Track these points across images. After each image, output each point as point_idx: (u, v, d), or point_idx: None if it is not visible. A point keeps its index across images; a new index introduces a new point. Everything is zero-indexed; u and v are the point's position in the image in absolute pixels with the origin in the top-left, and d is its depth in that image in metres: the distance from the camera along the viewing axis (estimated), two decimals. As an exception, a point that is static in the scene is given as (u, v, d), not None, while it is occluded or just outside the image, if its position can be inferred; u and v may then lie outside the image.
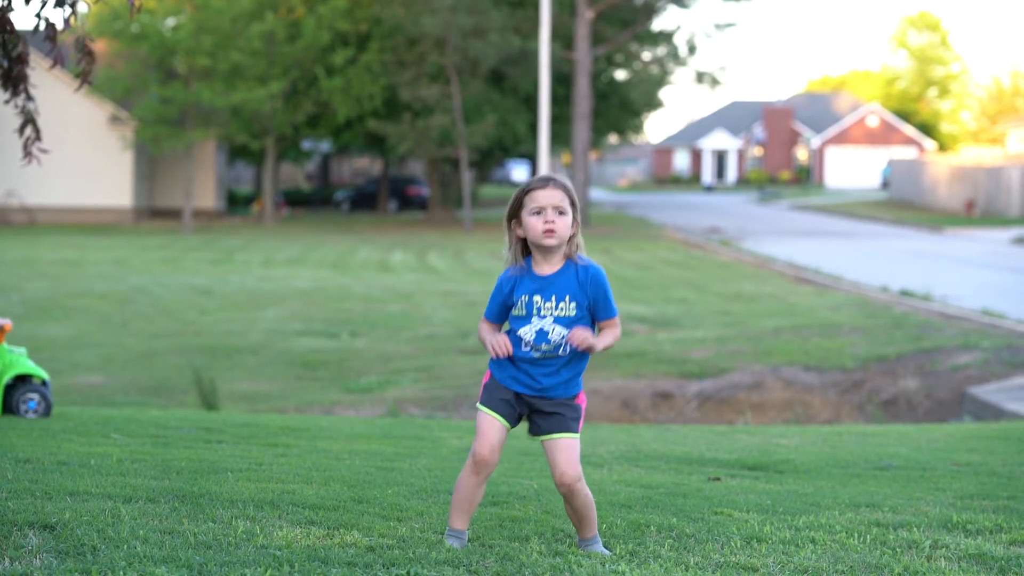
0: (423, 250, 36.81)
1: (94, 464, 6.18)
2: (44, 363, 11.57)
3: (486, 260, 32.92)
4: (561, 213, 4.50)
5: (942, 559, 4.74)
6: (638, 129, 62.73)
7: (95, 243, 37.48)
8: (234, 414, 12.02)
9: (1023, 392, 15.07)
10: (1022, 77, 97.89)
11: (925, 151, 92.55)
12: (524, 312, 4.56)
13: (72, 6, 6.66)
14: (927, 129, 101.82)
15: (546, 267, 4.57)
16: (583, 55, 44.24)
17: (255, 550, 4.32)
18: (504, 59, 45.79)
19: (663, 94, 77.86)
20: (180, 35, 44.73)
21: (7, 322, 8.78)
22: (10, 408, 8.83)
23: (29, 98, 7.08)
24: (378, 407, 15.16)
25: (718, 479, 7.09)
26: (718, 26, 49.45)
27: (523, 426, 4.78)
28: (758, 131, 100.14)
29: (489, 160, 60.19)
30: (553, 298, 4.52)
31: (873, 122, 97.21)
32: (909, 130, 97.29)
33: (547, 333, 4.53)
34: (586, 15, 44.15)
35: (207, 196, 51.95)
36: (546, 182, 4.53)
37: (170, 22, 46.28)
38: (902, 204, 62.26)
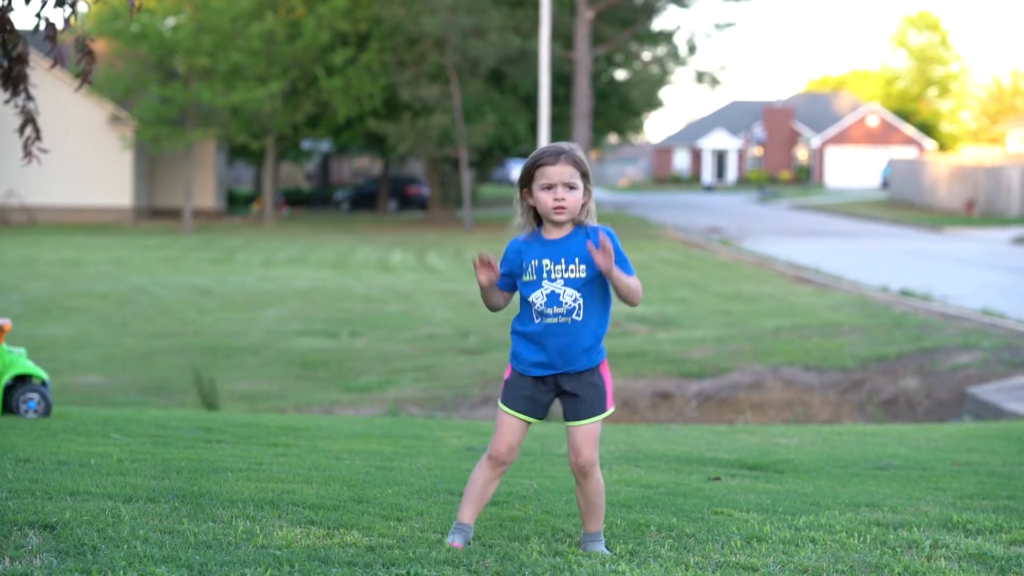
0: (423, 250, 36.82)
1: (94, 464, 6.18)
2: (44, 363, 11.57)
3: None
4: (571, 188, 4.49)
5: (942, 559, 4.74)
6: (638, 129, 62.73)
7: (95, 243, 37.49)
8: (234, 414, 12.02)
9: (1023, 392, 15.08)
10: (1022, 77, 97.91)
11: (925, 151, 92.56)
12: (534, 277, 4.54)
13: (72, 6, 6.66)
14: (927, 129, 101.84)
15: (555, 232, 4.57)
16: (583, 55, 44.25)
17: (255, 550, 4.32)
18: (504, 59, 45.79)
19: (663, 94, 77.95)
20: (180, 35, 44.74)
21: (7, 322, 8.79)
22: (10, 408, 8.83)
23: (29, 98, 7.08)
24: (378, 407, 15.17)
25: (718, 479, 7.09)
26: (718, 26, 49.46)
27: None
28: (758, 131, 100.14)
29: (489, 160, 60.19)
30: (563, 260, 4.50)
31: (873, 122, 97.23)
32: (909, 130, 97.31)
33: (558, 296, 4.50)
34: (586, 15, 44.16)
35: (207, 196, 51.96)
36: (556, 157, 4.49)
37: (170, 22, 46.29)
38: (902, 204, 62.26)
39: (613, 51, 50.00)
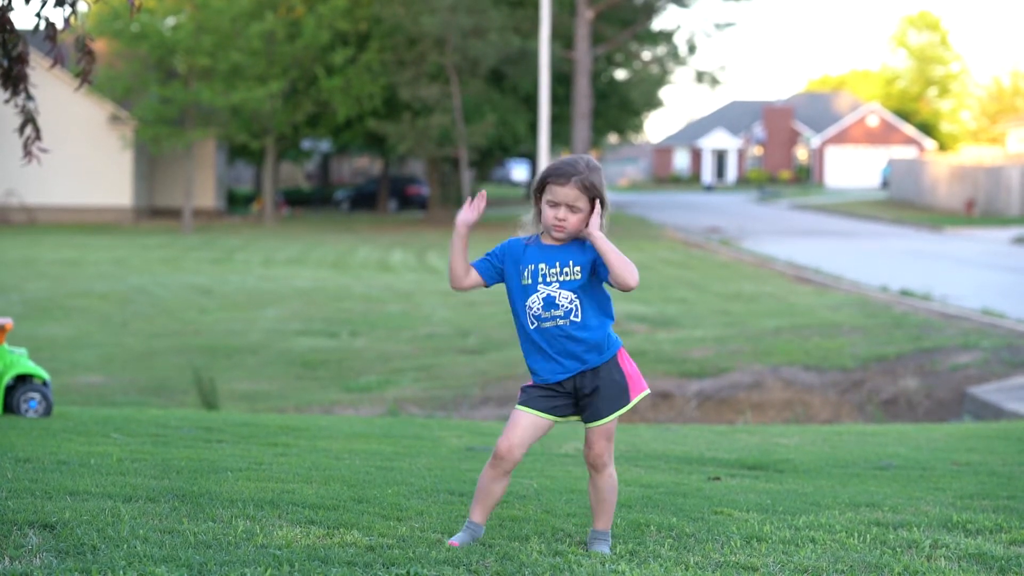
0: (423, 250, 36.82)
1: (94, 464, 6.18)
2: (44, 363, 11.57)
3: (486, 260, 32.90)
4: (574, 211, 4.51)
5: (942, 559, 4.74)
6: (638, 129, 62.76)
7: (95, 243, 37.49)
8: (234, 414, 12.02)
9: (1023, 392, 15.08)
10: (1022, 77, 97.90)
11: (925, 151, 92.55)
12: (530, 281, 4.58)
13: (72, 6, 6.66)
14: (927, 129, 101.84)
15: (554, 240, 4.62)
16: (583, 55, 44.25)
17: (255, 549, 4.32)
18: (504, 59, 45.80)
19: (663, 94, 77.96)
20: (180, 35, 44.75)
21: (9, 321, 8.79)
22: (11, 408, 8.83)
23: (29, 97, 7.08)
24: (378, 406, 15.17)
25: (718, 479, 7.09)
26: (718, 26, 49.46)
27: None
28: (758, 131, 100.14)
29: (489, 160, 60.24)
30: (557, 264, 4.55)
31: (873, 122, 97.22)
32: (909, 130, 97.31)
33: (554, 299, 4.54)
34: (586, 15, 44.16)
35: (207, 196, 51.97)
36: (567, 178, 4.51)
37: (170, 22, 46.30)
38: (902, 204, 62.26)
39: (613, 51, 50.01)
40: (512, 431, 4.58)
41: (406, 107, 48.79)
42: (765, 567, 4.50)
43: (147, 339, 19.42)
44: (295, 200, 63.43)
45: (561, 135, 52.32)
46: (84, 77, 6.95)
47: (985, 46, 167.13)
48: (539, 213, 4.62)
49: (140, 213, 48.77)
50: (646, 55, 51.88)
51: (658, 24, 61.59)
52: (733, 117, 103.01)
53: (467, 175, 49.00)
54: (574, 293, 4.54)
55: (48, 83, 39.38)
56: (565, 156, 4.72)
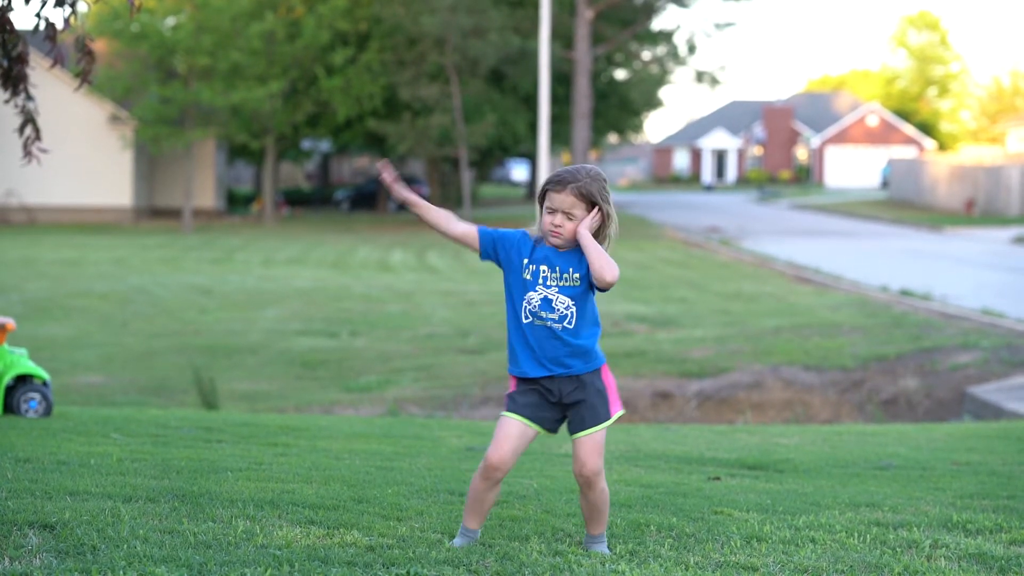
0: (423, 250, 36.82)
1: (94, 464, 6.18)
2: (44, 363, 11.57)
3: (486, 260, 32.89)
4: (570, 218, 4.54)
5: (942, 559, 4.75)
6: (638, 128, 62.75)
7: (95, 243, 37.49)
8: (234, 414, 12.03)
9: (1023, 392, 15.08)
10: (1022, 77, 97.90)
11: (925, 150, 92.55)
12: (531, 278, 4.61)
13: (72, 6, 6.67)
14: (927, 128, 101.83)
15: (555, 246, 4.64)
16: (583, 55, 44.25)
17: (255, 550, 4.32)
18: (504, 59, 45.81)
19: (663, 93, 77.98)
20: (180, 35, 44.75)
21: (10, 321, 8.79)
22: (11, 408, 8.83)
23: (29, 98, 7.08)
24: (378, 406, 15.17)
25: (718, 478, 7.09)
26: (718, 26, 49.47)
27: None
28: (758, 130, 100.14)
29: (489, 159, 60.22)
30: (558, 269, 4.58)
31: (873, 121, 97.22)
32: (909, 129, 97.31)
33: (551, 302, 4.57)
34: (586, 15, 44.16)
35: (207, 196, 51.97)
36: (564, 185, 4.56)
37: (170, 22, 46.31)
38: (902, 203, 62.25)
39: (613, 51, 50.01)
40: (503, 442, 4.57)
41: (406, 107, 48.80)
42: (765, 567, 4.50)
43: (147, 339, 19.42)
44: (295, 200, 63.43)
45: (561, 135, 52.32)
46: (84, 77, 6.95)
47: (985, 46, 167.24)
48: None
49: (140, 213, 48.77)
50: (646, 55, 51.88)
51: (658, 24, 61.65)
52: (733, 117, 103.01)
53: (467, 175, 49.00)
54: (571, 300, 4.57)
55: (48, 83, 39.38)
56: (569, 165, 4.74)
